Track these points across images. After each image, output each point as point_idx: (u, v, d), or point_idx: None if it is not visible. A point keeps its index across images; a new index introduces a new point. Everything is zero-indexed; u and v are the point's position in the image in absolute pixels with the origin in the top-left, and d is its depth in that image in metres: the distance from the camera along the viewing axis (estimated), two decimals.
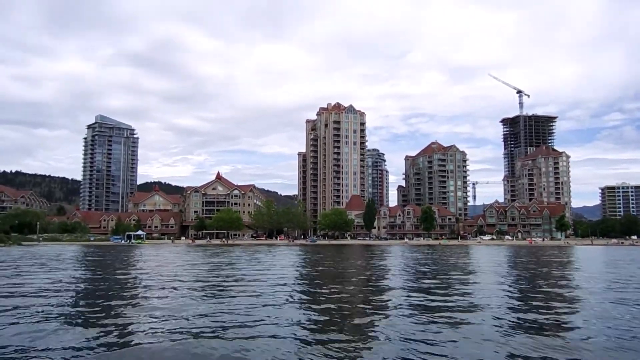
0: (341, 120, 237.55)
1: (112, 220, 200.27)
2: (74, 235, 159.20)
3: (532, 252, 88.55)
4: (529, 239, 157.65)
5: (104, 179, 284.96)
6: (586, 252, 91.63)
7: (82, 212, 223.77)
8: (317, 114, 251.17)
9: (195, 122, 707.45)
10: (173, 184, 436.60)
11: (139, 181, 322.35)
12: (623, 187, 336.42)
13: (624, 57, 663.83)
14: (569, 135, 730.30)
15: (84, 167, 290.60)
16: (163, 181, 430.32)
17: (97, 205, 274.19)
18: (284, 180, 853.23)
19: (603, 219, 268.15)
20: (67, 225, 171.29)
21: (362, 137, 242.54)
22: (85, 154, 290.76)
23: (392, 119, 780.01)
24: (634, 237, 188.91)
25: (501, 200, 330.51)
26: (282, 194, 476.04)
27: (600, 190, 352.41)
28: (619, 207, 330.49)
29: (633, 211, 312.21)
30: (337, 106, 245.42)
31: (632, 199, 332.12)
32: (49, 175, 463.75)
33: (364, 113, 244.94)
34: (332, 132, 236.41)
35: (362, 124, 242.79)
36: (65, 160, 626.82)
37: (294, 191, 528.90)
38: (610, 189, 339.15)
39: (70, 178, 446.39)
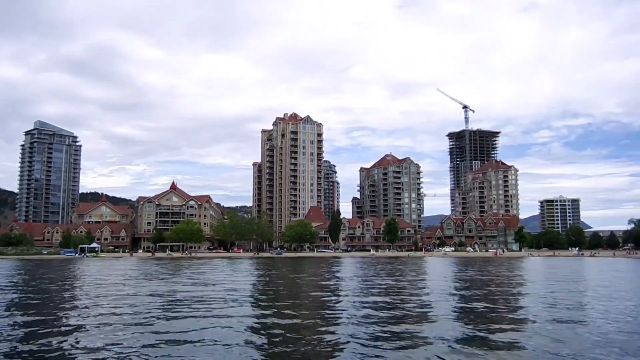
0: (298, 130, 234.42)
1: (58, 232, 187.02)
2: (19, 249, 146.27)
3: (522, 266, 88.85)
4: (494, 251, 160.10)
5: (42, 189, 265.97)
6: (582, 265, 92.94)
7: (22, 224, 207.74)
8: (273, 124, 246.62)
9: (135, 132, 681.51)
10: (110, 194, 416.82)
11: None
12: (561, 201, 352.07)
13: (552, 78, 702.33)
14: (502, 150, 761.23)
15: (21, 175, 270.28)
16: (100, 192, 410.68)
17: (34, 217, 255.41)
18: (226, 191, 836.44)
19: (546, 230, 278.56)
20: (10, 238, 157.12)
21: (319, 147, 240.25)
22: (22, 162, 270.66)
23: (335, 132, 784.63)
24: (577, 248, 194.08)
25: (448, 212, 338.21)
26: (225, 206, 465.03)
27: (539, 203, 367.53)
28: (557, 220, 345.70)
29: (570, 223, 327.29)
30: (294, 116, 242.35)
31: (569, 212, 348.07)
32: None
33: (321, 124, 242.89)
34: (289, 142, 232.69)
35: (320, 134, 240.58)
36: None
37: (237, 202, 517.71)
38: (549, 202, 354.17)
39: None
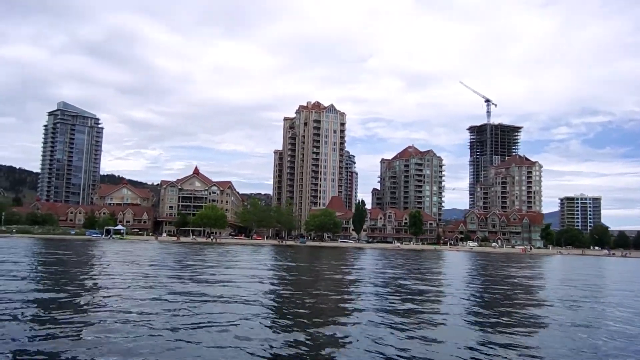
0: (321, 119, 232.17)
1: (80, 213, 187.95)
2: (46, 228, 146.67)
3: (566, 266, 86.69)
4: (522, 247, 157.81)
5: (64, 170, 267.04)
6: None
7: (45, 204, 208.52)
8: (296, 112, 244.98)
9: (151, 116, 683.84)
10: (126, 177, 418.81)
11: None
12: (582, 199, 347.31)
13: (571, 74, 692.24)
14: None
15: (43, 156, 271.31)
16: (116, 174, 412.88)
17: (55, 197, 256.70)
18: (240, 178, 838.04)
19: (567, 228, 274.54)
20: (36, 217, 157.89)
21: (342, 137, 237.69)
22: (45, 142, 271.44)
23: (350, 123, 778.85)
24: (606, 248, 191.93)
25: (465, 206, 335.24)
26: (239, 192, 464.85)
27: (559, 201, 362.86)
28: (577, 218, 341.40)
29: (590, 222, 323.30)
30: (317, 105, 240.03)
31: (590, 210, 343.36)
32: None
33: (344, 113, 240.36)
34: (311, 131, 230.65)
35: (342, 124, 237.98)
36: (10, 149, 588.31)
37: (251, 190, 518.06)
38: (570, 199, 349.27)
39: (17, 167, 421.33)
